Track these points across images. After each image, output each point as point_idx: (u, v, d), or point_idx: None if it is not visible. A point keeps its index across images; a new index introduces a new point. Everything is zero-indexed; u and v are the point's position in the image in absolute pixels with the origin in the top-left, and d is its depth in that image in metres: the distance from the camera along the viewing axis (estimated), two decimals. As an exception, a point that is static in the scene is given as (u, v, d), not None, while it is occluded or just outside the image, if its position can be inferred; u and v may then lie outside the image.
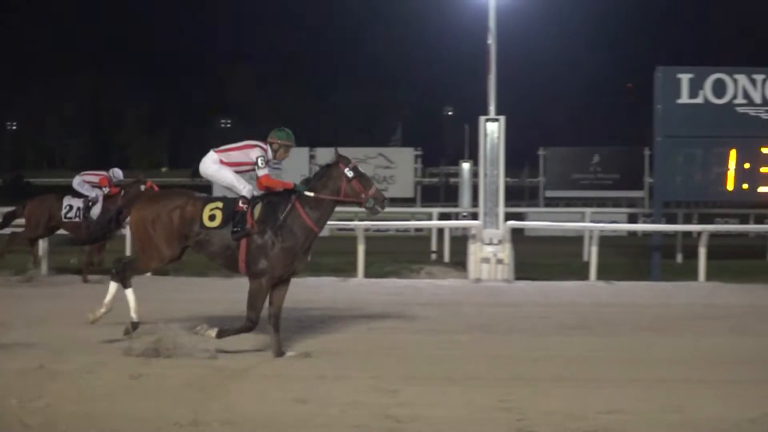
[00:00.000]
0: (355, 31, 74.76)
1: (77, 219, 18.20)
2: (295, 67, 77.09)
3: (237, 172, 10.68)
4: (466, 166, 40.84)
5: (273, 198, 10.50)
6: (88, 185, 18.60)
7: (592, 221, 24.48)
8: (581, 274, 19.38)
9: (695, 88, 19.49)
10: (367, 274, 19.31)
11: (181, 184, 48.76)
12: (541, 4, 49.57)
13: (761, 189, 19.54)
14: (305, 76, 76.37)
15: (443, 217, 29.36)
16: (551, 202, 42.48)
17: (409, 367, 9.65)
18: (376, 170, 45.11)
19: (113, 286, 10.65)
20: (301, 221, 10.29)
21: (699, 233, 20.15)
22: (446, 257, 23.41)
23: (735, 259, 22.17)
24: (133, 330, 10.46)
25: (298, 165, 41.32)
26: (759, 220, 27.58)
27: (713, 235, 20.61)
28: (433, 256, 23.52)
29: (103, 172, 19.13)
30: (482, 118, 20.19)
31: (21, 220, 18.95)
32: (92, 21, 68.85)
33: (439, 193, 50.24)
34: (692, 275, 19.25)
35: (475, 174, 32.12)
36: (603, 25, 65.86)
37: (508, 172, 19.24)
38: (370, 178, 10.95)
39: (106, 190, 18.49)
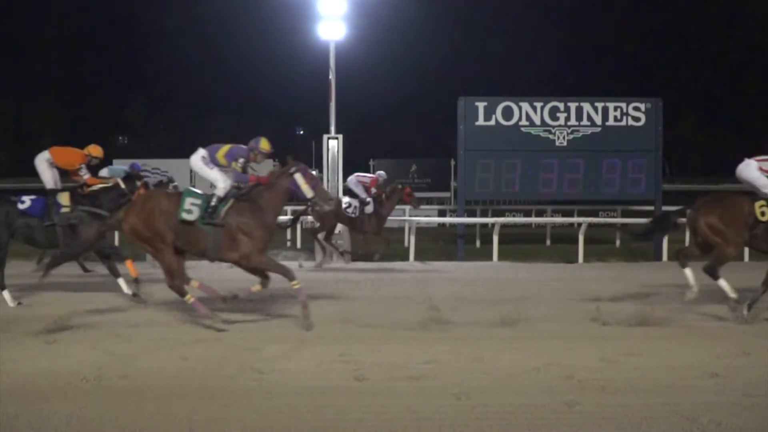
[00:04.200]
0: (227, 67, 73.85)
1: (353, 215, 17.95)
2: (181, 94, 75.67)
3: None
4: (313, 173, 40.92)
5: None
6: (362, 186, 18.24)
7: (411, 216, 24.66)
8: (403, 256, 19.52)
9: (489, 113, 19.80)
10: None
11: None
12: (372, 48, 50.08)
13: (541, 190, 20.02)
14: (189, 102, 74.98)
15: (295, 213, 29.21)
16: (380, 201, 42.79)
17: (269, 330, 9.58)
18: (244, 177, 45.02)
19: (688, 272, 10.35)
20: None
21: (493, 224, 20.50)
22: (298, 244, 23.30)
23: (520, 244, 22.64)
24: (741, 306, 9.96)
25: (181, 173, 40.91)
26: (539, 213, 28.20)
27: (503, 226, 21.07)
28: (288, 244, 23.39)
29: (373, 175, 18.93)
30: (325, 136, 20.30)
31: None
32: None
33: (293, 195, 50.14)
34: (488, 256, 19.58)
35: (320, 179, 32.17)
36: (417, 64, 66.59)
37: (346, 177, 19.23)
38: None
39: (374, 190, 18.33)
